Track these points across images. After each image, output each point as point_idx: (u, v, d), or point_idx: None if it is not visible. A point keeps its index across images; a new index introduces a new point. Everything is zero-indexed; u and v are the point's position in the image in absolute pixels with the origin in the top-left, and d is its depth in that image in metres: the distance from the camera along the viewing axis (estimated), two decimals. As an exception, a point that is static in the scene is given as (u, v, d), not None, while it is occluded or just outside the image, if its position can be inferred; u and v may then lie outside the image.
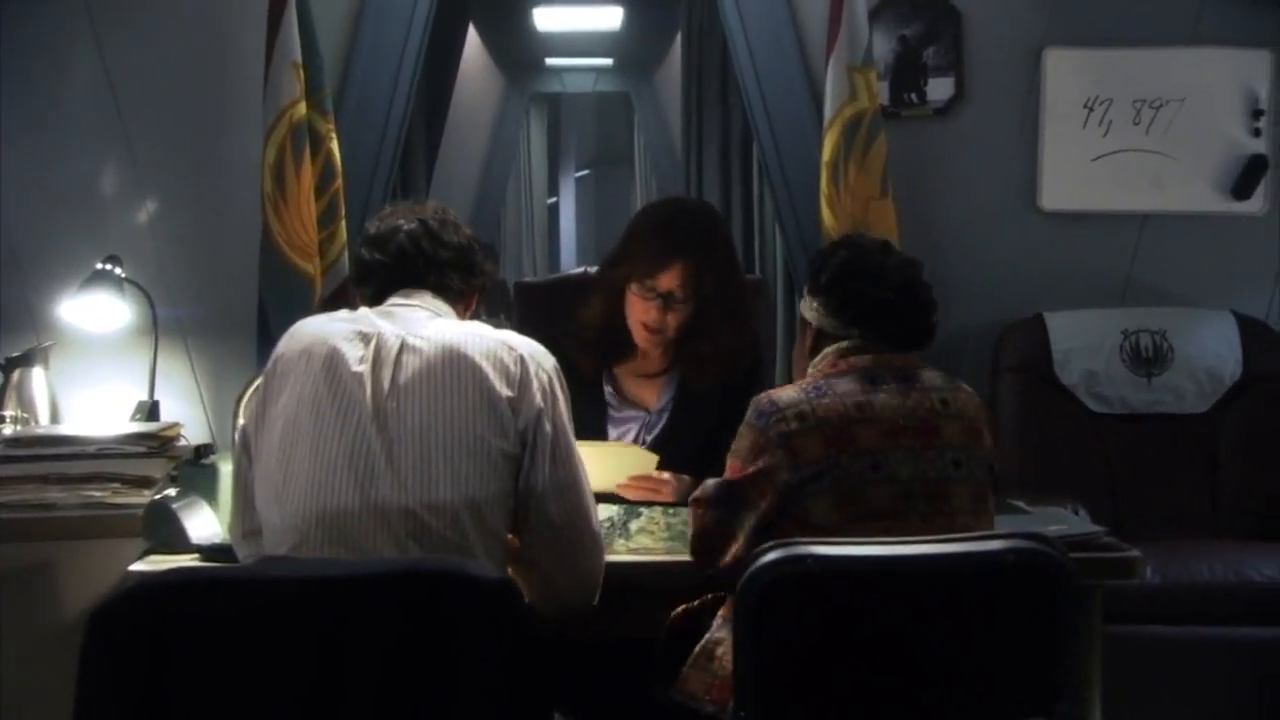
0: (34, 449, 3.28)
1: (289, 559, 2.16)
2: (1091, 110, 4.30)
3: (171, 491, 2.77)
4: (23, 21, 4.01)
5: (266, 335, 3.69)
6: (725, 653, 2.30)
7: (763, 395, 2.39)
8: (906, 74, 4.29)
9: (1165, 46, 4.30)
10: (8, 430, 3.60)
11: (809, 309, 2.50)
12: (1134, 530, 3.24)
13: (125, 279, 3.84)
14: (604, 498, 2.73)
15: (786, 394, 2.37)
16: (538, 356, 2.31)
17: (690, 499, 2.45)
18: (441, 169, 6.11)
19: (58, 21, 4.03)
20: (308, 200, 3.77)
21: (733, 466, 2.38)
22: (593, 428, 3.09)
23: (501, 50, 7.92)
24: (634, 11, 6.96)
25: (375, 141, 4.05)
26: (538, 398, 2.26)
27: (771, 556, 2.11)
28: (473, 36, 6.90)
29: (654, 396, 3.21)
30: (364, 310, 2.38)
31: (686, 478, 2.93)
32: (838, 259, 2.48)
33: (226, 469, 2.71)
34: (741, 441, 2.38)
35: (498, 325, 2.44)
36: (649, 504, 2.91)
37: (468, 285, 2.49)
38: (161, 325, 3.96)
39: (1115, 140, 4.32)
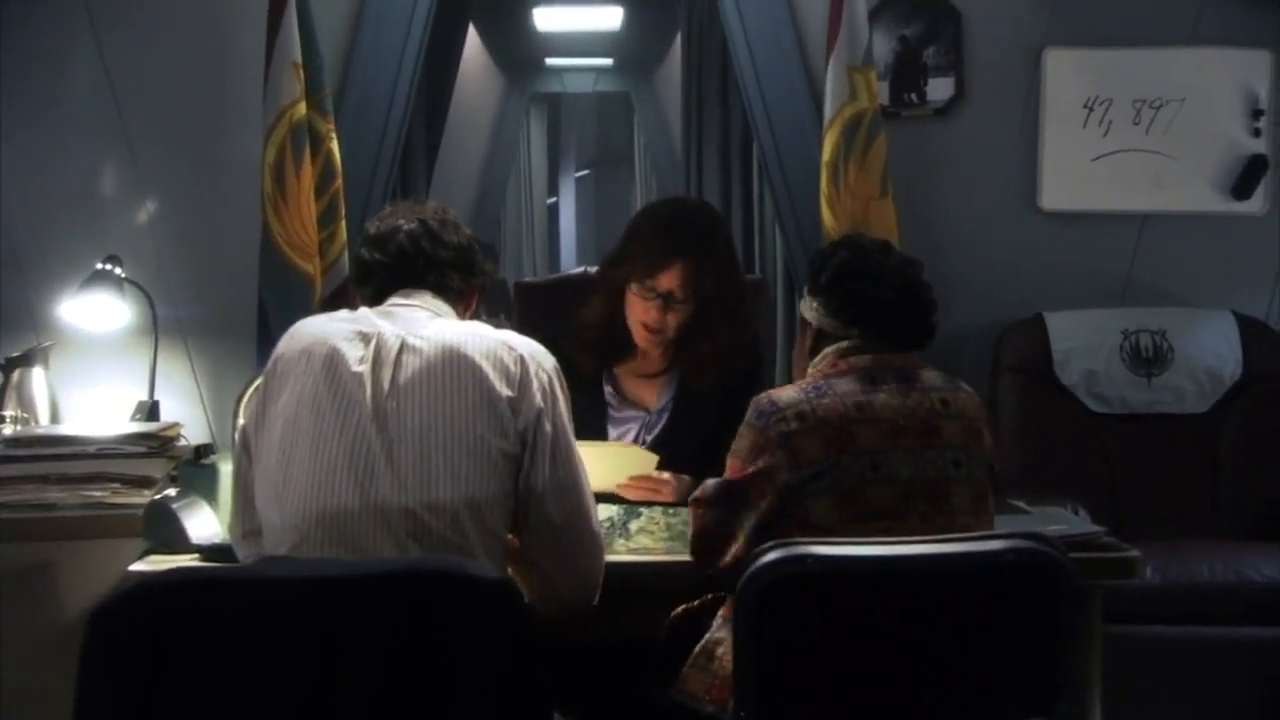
0: (34, 449, 3.28)
1: (289, 559, 2.16)
2: (1091, 110, 4.31)
3: (171, 491, 2.77)
4: (23, 22, 4.01)
5: (266, 335, 3.69)
6: (725, 653, 2.30)
7: (762, 395, 2.39)
8: (906, 74, 4.29)
9: (1165, 46, 4.30)
10: (8, 430, 3.60)
11: (809, 309, 2.50)
12: (1134, 530, 3.24)
13: (125, 279, 3.84)
14: (604, 498, 2.73)
15: (786, 394, 2.37)
16: (538, 356, 2.31)
17: (690, 499, 2.45)
18: (441, 169, 6.11)
19: (57, 22, 4.03)
20: (308, 200, 3.77)
21: (733, 466, 2.38)
22: (593, 428, 3.09)
23: (501, 50, 7.92)
24: (634, 11, 6.96)
25: (375, 141, 4.05)
26: (538, 398, 2.26)
27: (771, 556, 2.11)
28: (473, 36, 6.90)
29: (654, 396, 3.21)
30: (364, 310, 2.38)
31: (686, 478, 2.93)
32: (838, 259, 2.48)
33: (226, 469, 2.71)
34: (741, 442, 2.38)
35: (498, 325, 2.44)
36: (649, 504, 2.91)
37: (468, 285, 2.49)
38: (161, 325, 3.96)
39: (1115, 140, 4.32)
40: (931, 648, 2.17)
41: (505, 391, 2.23)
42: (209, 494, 2.76)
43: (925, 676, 2.18)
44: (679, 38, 6.03)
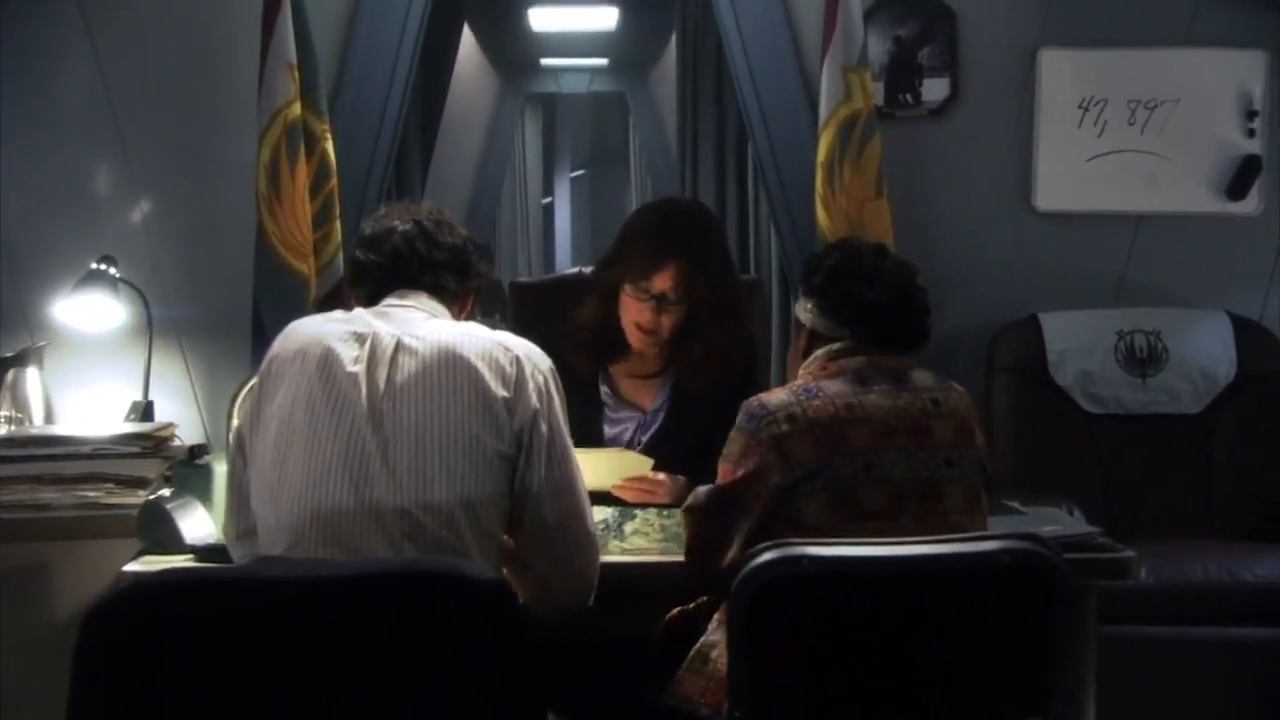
0: (28, 449, 3.28)
1: (283, 559, 2.15)
2: (1086, 110, 4.31)
3: (166, 492, 2.77)
4: (22, 22, 4.00)
5: (261, 335, 3.69)
6: (720, 655, 2.30)
7: (753, 399, 2.39)
8: (901, 74, 4.29)
9: (1160, 47, 4.30)
10: (2, 430, 3.59)
11: (803, 310, 2.51)
12: (1128, 531, 3.25)
13: (120, 279, 3.83)
14: (599, 499, 2.73)
15: (777, 397, 2.37)
16: (533, 357, 2.31)
17: (683, 508, 2.45)
18: (436, 169, 6.10)
19: (52, 23, 4.03)
20: (302, 200, 3.76)
21: (724, 471, 2.38)
22: (589, 428, 3.09)
23: (497, 50, 7.91)
24: (629, 12, 6.95)
25: (370, 141, 4.05)
26: (533, 399, 2.26)
27: (766, 557, 2.11)
28: (468, 37, 6.89)
29: (649, 397, 3.21)
30: (359, 310, 2.38)
31: (681, 478, 2.93)
32: (832, 260, 2.48)
33: (221, 469, 2.71)
34: (733, 445, 2.38)
35: (493, 325, 2.44)
36: (644, 506, 2.91)
37: (463, 286, 2.49)
38: (156, 325, 3.95)
39: (1110, 140, 4.33)
40: (926, 648, 2.17)
41: (501, 392, 2.23)
42: (203, 494, 2.76)
43: (920, 677, 2.18)
44: (674, 38, 6.02)
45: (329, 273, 3.84)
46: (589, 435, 3.07)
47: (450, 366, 2.23)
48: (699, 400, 3.12)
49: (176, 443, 3.47)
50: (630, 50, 8.06)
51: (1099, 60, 4.29)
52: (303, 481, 2.17)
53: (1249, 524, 3.96)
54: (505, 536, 2.28)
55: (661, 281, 3.03)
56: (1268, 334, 4.25)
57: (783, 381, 2.51)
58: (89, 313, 3.79)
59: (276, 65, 3.73)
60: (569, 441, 2.33)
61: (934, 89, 4.30)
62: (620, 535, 2.69)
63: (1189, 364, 4.15)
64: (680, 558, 2.47)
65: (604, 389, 3.22)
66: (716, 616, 2.39)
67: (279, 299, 3.73)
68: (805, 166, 4.01)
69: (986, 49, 4.31)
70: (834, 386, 2.36)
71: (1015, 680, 2.21)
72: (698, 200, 4.69)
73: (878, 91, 4.16)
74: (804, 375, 2.45)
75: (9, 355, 3.80)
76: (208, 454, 3.32)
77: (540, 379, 2.29)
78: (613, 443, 3.16)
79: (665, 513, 2.85)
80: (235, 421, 2.74)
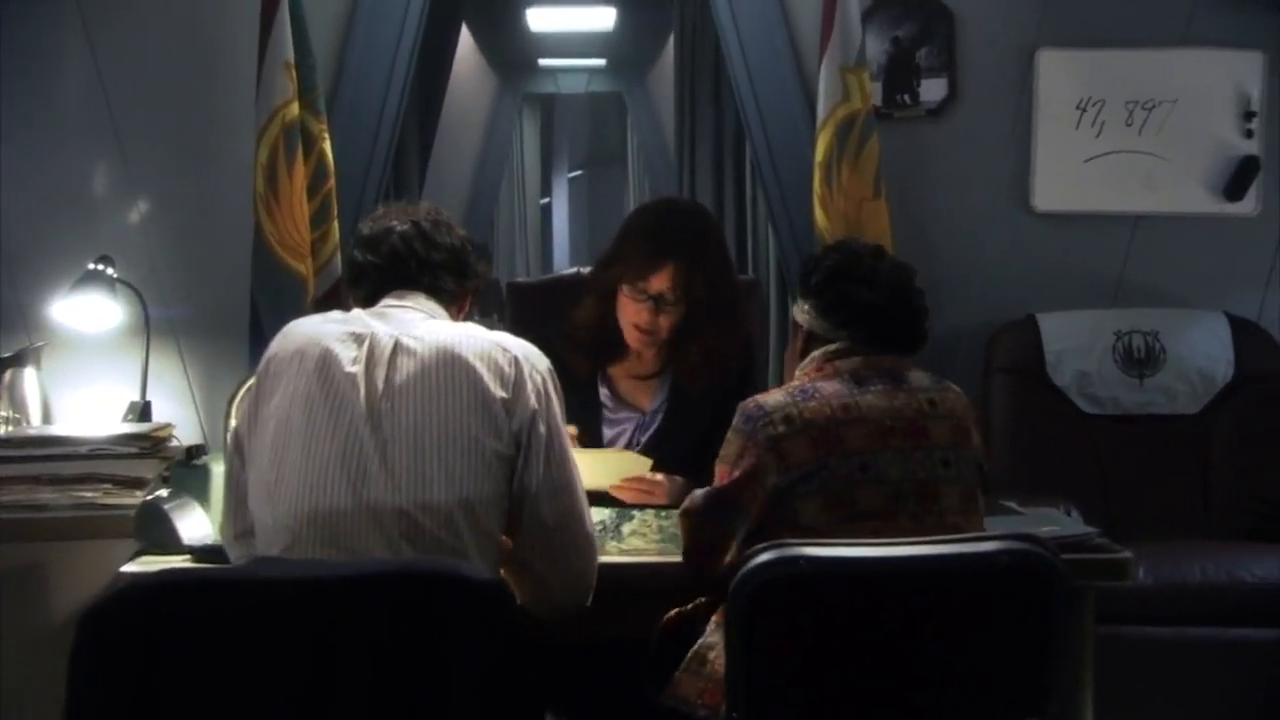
0: (26, 450, 3.28)
1: (280, 560, 2.15)
2: (1084, 111, 4.31)
3: (163, 492, 2.77)
4: (19, 23, 4.00)
5: (259, 335, 3.69)
6: (718, 657, 2.30)
7: (749, 400, 2.39)
8: (899, 75, 4.29)
9: (1157, 48, 4.31)
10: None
11: (800, 311, 2.51)
12: (1126, 531, 3.25)
13: (117, 279, 3.83)
14: (597, 500, 2.73)
15: (773, 398, 2.37)
16: (532, 358, 2.31)
17: (680, 511, 2.45)
18: (434, 169, 6.10)
19: (50, 23, 4.02)
20: (300, 200, 3.76)
21: (721, 472, 2.38)
22: (588, 429, 3.09)
23: (494, 51, 7.91)
24: (627, 12, 6.95)
25: (368, 141, 4.05)
26: (532, 399, 2.26)
27: (764, 558, 2.11)
28: (466, 37, 6.89)
29: (648, 398, 3.21)
30: (357, 311, 2.38)
31: (679, 479, 2.93)
32: (830, 261, 2.48)
33: (218, 470, 2.71)
34: (729, 447, 2.38)
35: (490, 326, 2.44)
36: (641, 507, 2.91)
37: (461, 287, 2.48)
38: (153, 325, 3.95)
39: (1108, 141, 4.33)
40: (924, 649, 2.17)
41: (500, 393, 2.23)
42: (201, 495, 2.76)
43: (918, 678, 2.18)
44: (672, 38, 6.03)
45: (327, 273, 3.84)
46: (588, 436, 3.07)
47: (449, 367, 2.22)
48: (698, 401, 3.12)
49: (174, 443, 3.47)
50: (628, 50, 8.06)
51: (1097, 61, 4.29)
52: (300, 482, 2.17)
53: (1247, 524, 3.96)
54: (504, 537, 2.28)
55: (659, 282, 3.02)
56: (1265, 334, 4.25)
57: (780, 382, 2.51)
58: (86, 313, 3.79)
59: (274, 65, 3.73)
60: (567, 442, 2.33)
61: (932, 89, 4.30)
62: (618, 536, 2.69)
63: (1186, 364, 4.15)
64: (678, 559, 2.47)
65: (603, 390, 3.22)
66: (714, 618, 2.39)
67: (277, 299, 3.73)
68: (803, 167, 4.01)
69: (984, 49, 4.31)
70: (830, 387, 2.36)
71: (1013, 681, 2.21)
72: (696, 201, 4.71)
73: (876, 92, 4.16)
74: (800, 376, 2.45)
75: (7, 355, 3.80)
76: (205, 454, 3.32)
77: (539, 380, 2.29)
78: (612, 444, 3.16)
79: (663, 513, 2.85)
80: (233, 422, 2.74)
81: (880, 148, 3.93)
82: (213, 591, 1.90)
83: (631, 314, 3.07)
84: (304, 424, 2.20)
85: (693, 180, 5.32)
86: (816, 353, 2.45)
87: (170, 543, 2.56)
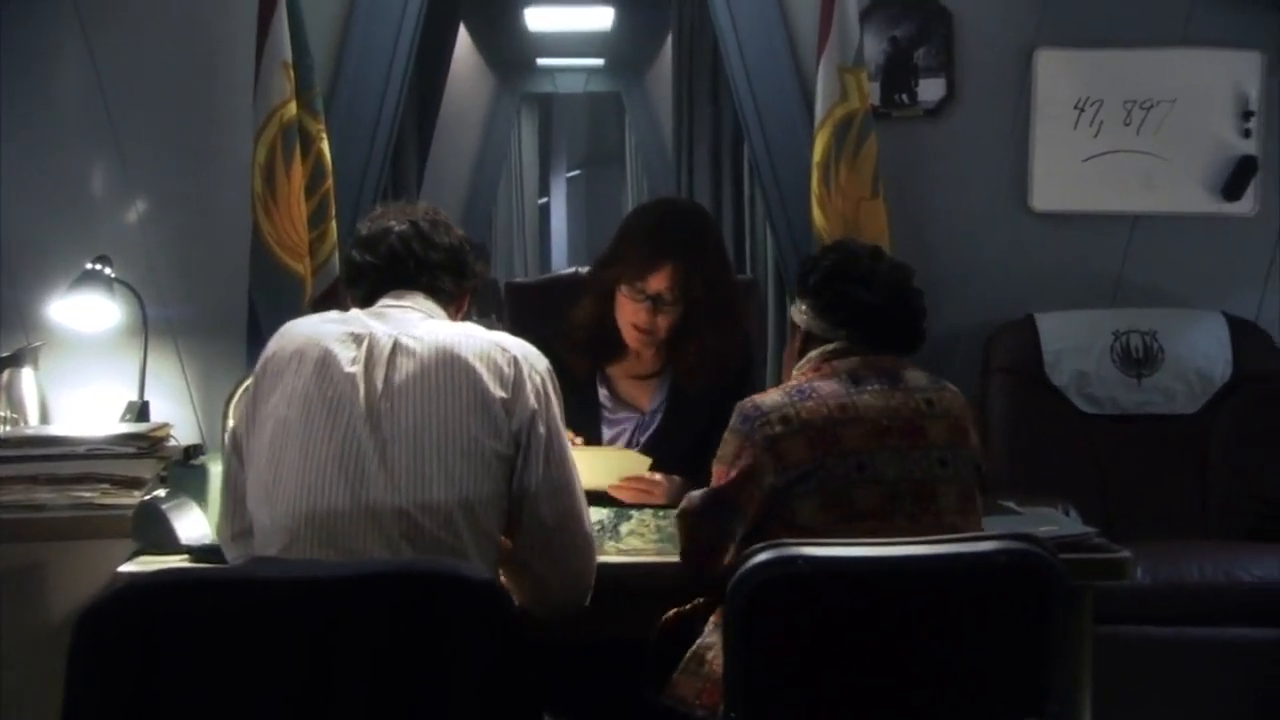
0: (23, 449, 3.27)
1: (278, 560, 2.15)
2: (1082, 111, 4.31)
3: (161, 492, 2.76)
4: (17, 23, 3.99)
5: (257, 335, 3.69)
6: (716, 657, 2.30)
7: (747, 400, 2.39)
8: (897, 74, 4.29)
9: (1156, 47, 4.31)
10: (-3, 430, 3.60)
11: (798, 312, 2.51)
12: (1124, 531, 3.25)
13: (115, 279, 3.83)
14: (595, 500, 2.72)
15: (770, 398, 2.37)
16: (531, 358, 2.31)
17: (677, 512, 2.45)
18: (433, 169, 6.11)
19: (48, 23, 4.02)
20: (298, 200, 3.76)
21: (718, 472, 2.38)
22: (587, 429, 3.09)
23: (492, 50, 7.91)
24: (625, 12, 6.95)
25: (366, 141, 4.05)
26: (531, 399, 2.26)
27: (762, 558, 2.11)
28: (464, 37, 6.90)
29: (647, 398, 3.21)
30: (355, 311, 2.37)
31: (678, 479, 2.93)
32: (828, 262, 2.48)
33: (216, 469, 2.71)
34: (726, 447, 2.38)
35: (489, 325, 2.44)
36: (640, 506, 2.91)
37: (459, 287, 2.48)
38: (151, 325, 3.95)
39: (1106, 141, 4.33)
40: (922, 649, 2.17)
41: (499, 393, 2.23)
42: (199, 495, 2.76)
43: (916, 677, 2.18)
44: (670, 38, 6.04)
45: (324, 273, 3.84)
46: (588, 436, 3.07)
47: (448, 367, 2.22)
48: (697, 401, 3.12)
49: (172, 443, 3.46)
50: (626, 50, 8.06)
51: (1095, 60, 4.29)
52: (298, 482, 2.17)
53: (1245, 524, 3.96)
54: (503, 538, 2.28)
55: (657, 282, 3.02)
56: (1263, 334, 4.25)
57: (779, 382, 2.50)
58: (84, 313, 3.79)
59: (272, 65, 3.73)
60: (566, 442, 2.33)
61: (930, 89, 4.30)
62: (616, 536, 2.69)
63: (1185, 364, 4.15)
64: (676, 558, 2.47)
65: (602, 390, 3.22)
66: (712, 619, 2.39)
67: (274, 299, 3.73)
68: (801, 167, 4.01)
69: (982, 49, 4.31)
70: (827, 387, 2.36)
71: (1011, 680, 2.21)
72: (695, 201, 4.71)
73: (874, 92, 4.16)
74: (798, 376, 2.45)
75: (4, 355, 3.80)
76: (203, 454, 3.32)
77: (538, 380, 2.29)
78: (611, 444, 3.16)
79: (661, 513, 2.85)
80: (231, 422, 2.74)
81: (878, 148, 3.93)
82: (211, 591, 1.90)
83: (630, 314, 3.07)
84: (302, 424, 2.20)
85: (691, 180, 5.32)
86: (814, 353, 2.45)
87: (168, 542, 2.56)
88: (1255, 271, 4.39)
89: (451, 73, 6.14)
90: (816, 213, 3.90)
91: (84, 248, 3.89)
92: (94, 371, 4.02)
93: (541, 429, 2.26)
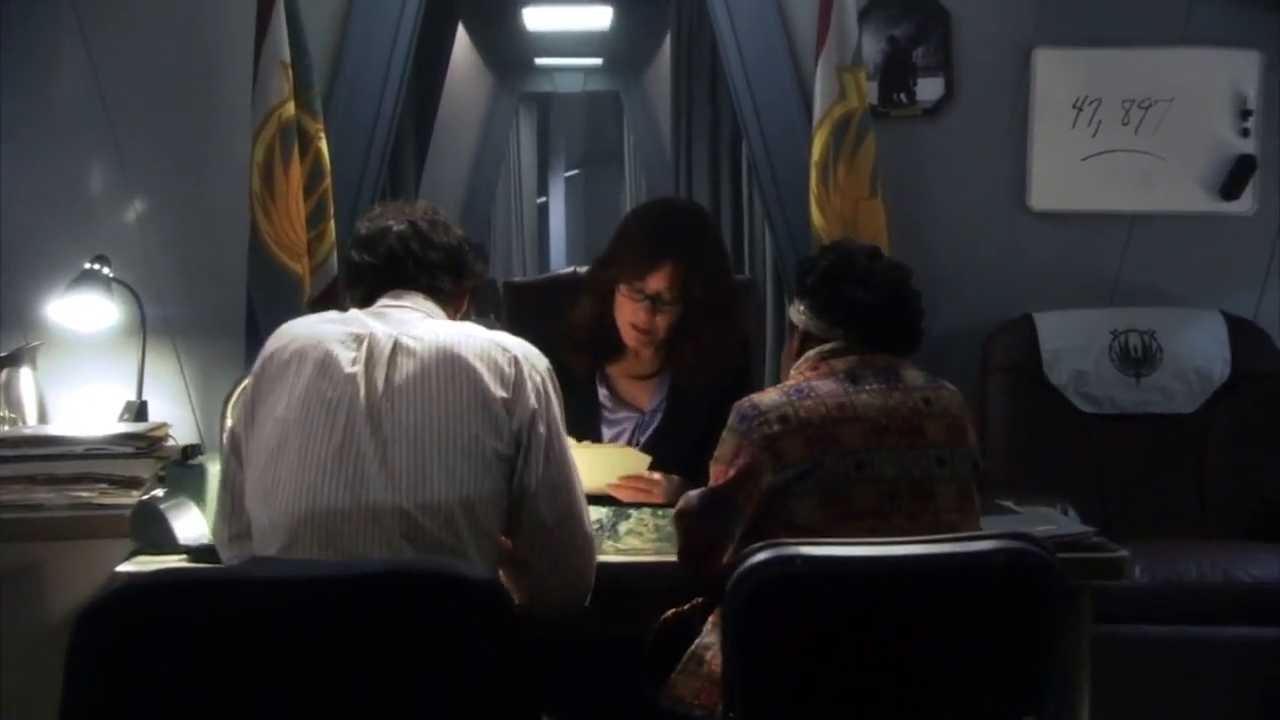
0: (21, 449, 3.27)
1: (277, 559, 2.15)
2: (1080, 110, 4.31)
3: (159, 492, 2.76)
4: (16, 23, 3.99)
5: (255, 335, 3.69)
6: (714, 657, 2.30)
7: (745, 399, 2.39)
8: (896, 74, 4.29)
9: (1154, 47, 4.31)
10: (-5, 430, 3.59)
11: (796, 312, 2.51)
12: (1123, 530, 3.25)
13: (113, 278, 3.83)
14: (594, 499, 2.72)
15: (768, 397, 2.37)
16: (531, 358, 2.31)
17: (674, 513, 2.44)
18: (431, 168, 6.10)
19: (46, 23, 4.02)
20: (296, 200, 3.76)
21: (716, 472, 2.38)
22: (587, 428, 3.09)
23: (491, 50, 7.91)
24: (623, 11, 6.95)
25: (364, 141, 4.05)
26: (532, 399, 2.26)
27: (760, 557, 2.11)
28: (462, 36, 6.89)
29: (647, 397, 3.21)
30: (354, 311, 2.37)
31: (677, 478, 2.93)
32: (826, 262, 2.48)
33: (214, 469, 2.71)
34: (724, 447, 2.38)
35: (488, 325, 2.43)
36: (638, 505, 2.91)
37: (458, 286, 2.48)
38: (150, 325, 3.95)
39: (1104, 140, 4.33)
40: (921, 648, 2.17)
41: (500, 393, 2.23)
42: (197, 494, 2.76)
43: (914, 677, 2.18)
44: (668, 37, 6.03)
45: (323, 272, 3.84)
46: (587, 436, 3.07)
47: (449, 367, 2.22)
48: (696, 400, 3.12)
49: (170, 443, 3.46)
50: (625, 50, 8.06)
51: (1093, 60, 4.29)
52: (297, 483, 2.17)
53: (1243, 523, 3.96)
54: (503, 538, 2.28)
55: (657, 282, 3.02)
56: (1262, 333, 4.25)
57: (777, 382, 2.50)
58: (83, 312, 3.78)
59: (270, 64, 3.73)
60: (566, 442, 2.34)
61: (928, 88, 4.30)
62: (614, 535, 2.69)
63: (1183, 363, 4.15)
64: (674, 558, 2.46)
65: (602, 390, 3.22)
66: (711, 619, 2.39)
67: (273, 298, 3.73)
68: (799, 166, 4.01)
69: (981, 48, 4.31)
70: (825, 386, 2.36)
71: (1010, 680, 2.21)
72: (694, 201, 4.71)
73: (872, 91, 4.16)
74: (796, 375, 2.45)
75: (3, 355, 3.79)
76: (201, 454, 3.32)
77: (538, 379, 2.29)
78: (611, 443, 3.16)
79: (659, 512, 2.85)
80: (229, 422, 2.73)
81: (876, 147, 3.93)
82: (209, 591, 1.89)
83: (629, 313, 3.07)
84: (302, 425, 2.19)
85: (689, 179, 5.32)
86: (812, 352, 2.45)
87: (166, 542, 2.56)
88: (1254, 271, 4.39)
89: (450, 72, 6.14)
90: (815, 212, 3.90)
91: (82, 247, 3.89)
92: (92, 371, 4.01)
93: (542, 428, 2.26)
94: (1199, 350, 4.17)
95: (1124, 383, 4.15)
